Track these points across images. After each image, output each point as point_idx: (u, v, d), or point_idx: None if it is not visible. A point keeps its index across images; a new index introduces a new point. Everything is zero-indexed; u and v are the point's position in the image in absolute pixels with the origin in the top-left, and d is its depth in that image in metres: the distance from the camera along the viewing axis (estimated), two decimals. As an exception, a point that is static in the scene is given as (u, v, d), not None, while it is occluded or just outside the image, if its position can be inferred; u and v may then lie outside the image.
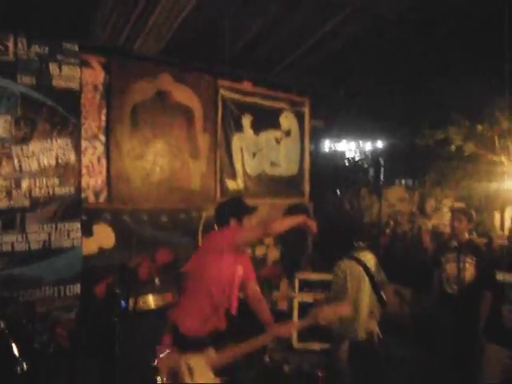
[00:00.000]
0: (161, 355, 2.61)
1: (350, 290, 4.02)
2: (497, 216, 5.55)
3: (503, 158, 5.10)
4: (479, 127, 5.17)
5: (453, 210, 4.77)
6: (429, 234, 5.75)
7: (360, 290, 4.06)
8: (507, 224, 5.42)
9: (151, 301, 4.54)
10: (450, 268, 4.44)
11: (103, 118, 4.98)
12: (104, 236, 4.97)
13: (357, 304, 4.05)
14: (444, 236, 5.89)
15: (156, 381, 2.55)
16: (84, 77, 4.85)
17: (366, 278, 4.08)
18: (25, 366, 3.19)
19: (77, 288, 4.76)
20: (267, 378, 4.80)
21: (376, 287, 4.11)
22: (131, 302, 4.37)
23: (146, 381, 2.82)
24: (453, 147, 5.44)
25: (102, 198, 4.97)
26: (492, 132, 5.13)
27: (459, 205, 6.15)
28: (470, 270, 4.31)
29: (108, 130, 4.99)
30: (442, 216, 6.18)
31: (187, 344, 2.79)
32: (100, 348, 4.39)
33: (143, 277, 4.91)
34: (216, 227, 3.19)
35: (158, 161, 5.36)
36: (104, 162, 4.97)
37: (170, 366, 2.50)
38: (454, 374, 4.42)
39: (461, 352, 4.04)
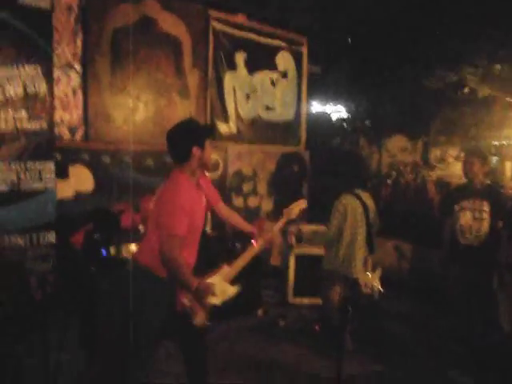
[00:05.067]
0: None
1: (348, 225, 3.82)
2: (508, 165, 5.18)
3: (521, 101, 4.70)
4: (497, 67, 4.72)
5: (465, 154, 4.37)
6: (434, 184, 5.38)
7: (357, 228, 3.86)
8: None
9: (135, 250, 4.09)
10: (465, 217, 4.07)
11: (79, 44, 4.36)
12: (81, 179, 4.44)
13: (354, 241, 3.86)
14: (451, 187, 5.54)
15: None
16: (56, -5, 4.20)
17: (364, 217, 3.88)
18: None
19: (51, 236, 4.27)
20: (262, 332, 4.48)
21: (370, 229, 3.93)
22: (112, 250, 3.93)
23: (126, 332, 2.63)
24: (466, 90, 4.99)
25: (78, 136, 4.42)
26: (510, 72, 4.68)
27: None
28: (486, 219, 3.95)
29: (84, 59, 4.38)
30: (447, 167, 5.80)
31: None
32: (79, 300, 3.98)
33: (126, 224, 4.43)
34: (175, 161, 2.63)
35: (141, 97, 4.79)
36: (80, 94, 4.38)
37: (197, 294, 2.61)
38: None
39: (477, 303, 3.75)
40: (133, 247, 4.08)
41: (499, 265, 3.69)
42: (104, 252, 3.87)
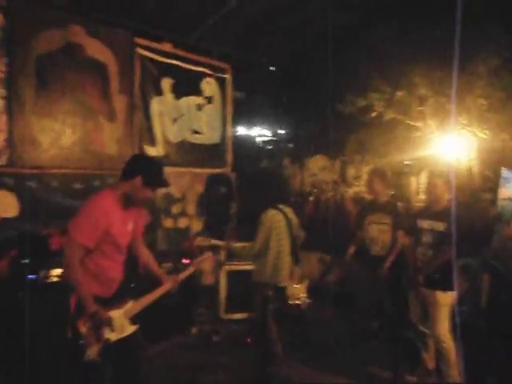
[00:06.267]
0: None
1: (274, 237, 4.09)
2: (413, 180, 5.80)
3: (420, 124, 5.31)
4: (399, 94, 5.32)
5: (367, 173, 4.95)
6: (351, 200, 5.87)
7: (282, 239, 4.15)
8: (422, 187, 5.68)
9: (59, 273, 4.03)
10: (372, 230, 4.55)
11: (2, 68, 4.32)
12: (6, 204, 4.33)
13: (280, 252, 4.13)
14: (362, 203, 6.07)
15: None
16: (-23, 19, 4.17)
17: (287, 230, 4.19)
18: None
19: (-27, 264, 4.11)
20: (197, 348, 4.59)
21: (294, 241, 4.25)
22: (42, 274, 3.88)
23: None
24: (374, 114, 5.56)
25: (3, 160, 4.33)
26: (410, 98, 5.30)
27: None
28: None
29: (8, 83, 4.34)
30: (362, 183, 6.34)
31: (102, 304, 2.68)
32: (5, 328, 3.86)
33: (55, 247, 4.38)
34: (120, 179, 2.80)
35: (68, 121, 4.79)
36: (4, 118, 4.32)
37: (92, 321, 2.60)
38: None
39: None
40: (59, 272, 4.05)
41: (408, 268, 4.12)
42: (32, 277, 3.81)
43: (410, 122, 5.37)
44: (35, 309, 3.57)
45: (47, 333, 3.39)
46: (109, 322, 2.65)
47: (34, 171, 4.53)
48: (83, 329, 2.56)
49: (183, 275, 3.14)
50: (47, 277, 3.89)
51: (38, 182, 4.55)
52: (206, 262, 3.43)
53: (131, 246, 2.98)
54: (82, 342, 2.55)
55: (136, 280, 3.34)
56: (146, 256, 3.11)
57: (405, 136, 5.48)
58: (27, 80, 4.48)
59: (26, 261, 3.87)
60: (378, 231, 4.51)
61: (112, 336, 2.67)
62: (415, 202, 5.67)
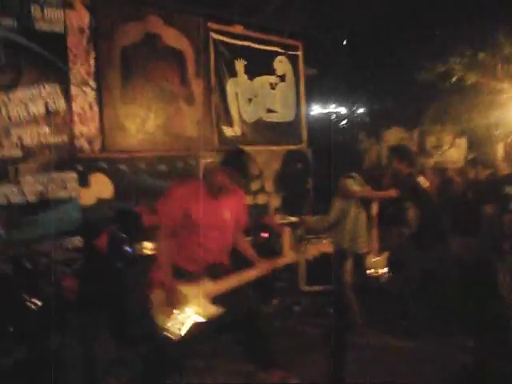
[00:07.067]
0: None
1: (352, 206, 4.21)
2: (500, 146, 5.46)
3: (506, 85, 4.98)
4: (481, 55, 5.03)
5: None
6: (432, 171, 5.68)
7: (359, 207, 4.24)
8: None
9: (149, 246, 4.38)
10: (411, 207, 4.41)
11: (92, 62, 4.73)
12: (102, 186, 4.79)
13: (357, 219, 4.24)
14: (447, 173, 5.84)
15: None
16: (68, 19, 4.58)
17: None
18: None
19: (77, 240, 4.61)
20: (279, 317, 4.78)
21: (369, 211, 4.26)
22: (137, 247, 4.26)
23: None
24: (454, 79, 5.30)
25: (96, 147, 4.77)
26: (494, 59, 4.99)
27: (457, 141, 6.14)
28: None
29: (98, 75, 4.75)
30: (443, 153, 6.11)
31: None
32: (107, 298, 4.30)
33: (145, 223, 4.76)
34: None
35: (151, 107, 5.15)
36: (96, 108, 4.74)
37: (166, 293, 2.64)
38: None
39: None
40: (149, 245, 4.41)
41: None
42: (129, 249, 4.21)
43: (495, 85, 5.05)
44: (133, 278, 3.96)
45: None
46: (182, 299, 2.62)
47: (124, 155, 4.94)
48: (155, 300, 2.63)
49: (278, 263, 2.96)
50: (141, 249, 4.25)
51: (128, 165, 4.96)
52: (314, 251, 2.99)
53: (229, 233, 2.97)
54: (152, 313, 2.62)
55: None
56: (240, 241, 3.12)
57: (489, 100, 5.17)
58: (114, 71, 4.87)
59: (123, 236, 4.25)
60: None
61: (193, 315, 2.62)
62: (502, 168, 5.34)
